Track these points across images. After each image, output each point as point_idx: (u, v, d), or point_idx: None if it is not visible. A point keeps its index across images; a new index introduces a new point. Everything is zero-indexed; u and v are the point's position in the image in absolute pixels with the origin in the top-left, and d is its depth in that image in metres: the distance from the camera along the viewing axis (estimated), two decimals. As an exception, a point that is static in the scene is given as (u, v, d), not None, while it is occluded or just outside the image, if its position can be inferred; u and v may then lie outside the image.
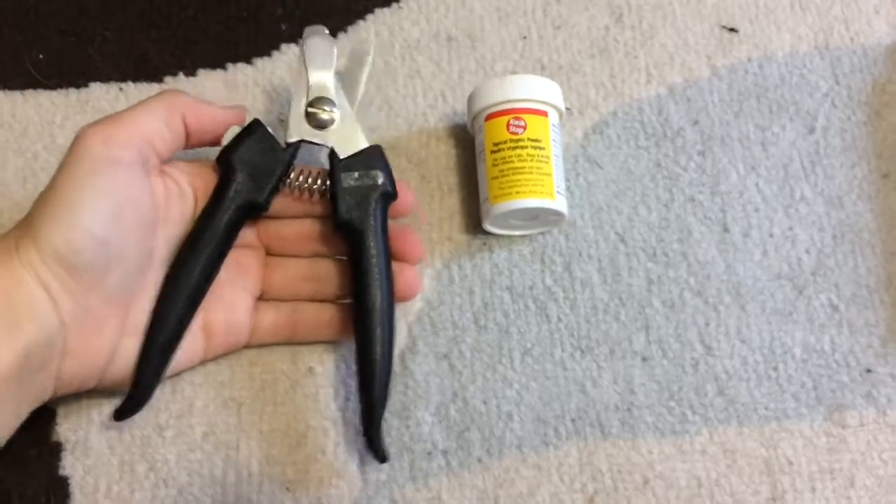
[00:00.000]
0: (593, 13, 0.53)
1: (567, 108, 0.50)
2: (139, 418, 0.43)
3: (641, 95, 0.51)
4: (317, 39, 0.43)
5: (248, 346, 0.44)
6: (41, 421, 0.42)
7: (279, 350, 0.45)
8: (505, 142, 0.45)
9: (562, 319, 0.46)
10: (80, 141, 0.38)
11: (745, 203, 0.49)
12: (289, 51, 0.52)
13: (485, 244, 0.47)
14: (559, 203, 0.45)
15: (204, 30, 0.52)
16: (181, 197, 0.41)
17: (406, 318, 0.46)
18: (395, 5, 0.53)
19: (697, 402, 0.44)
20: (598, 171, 0.49)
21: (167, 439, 0.43)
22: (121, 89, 0.51)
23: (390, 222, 0.43)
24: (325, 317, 0.44)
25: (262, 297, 0.44)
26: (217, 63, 0.51)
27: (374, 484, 0.42)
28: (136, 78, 0.51)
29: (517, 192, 0.44)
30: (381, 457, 0.41)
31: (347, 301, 0.43)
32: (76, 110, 0.50)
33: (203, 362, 0.43)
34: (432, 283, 0.47)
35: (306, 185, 0.43)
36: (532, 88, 0.45)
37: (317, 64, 0.43)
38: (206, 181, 0.42)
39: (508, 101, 0.45)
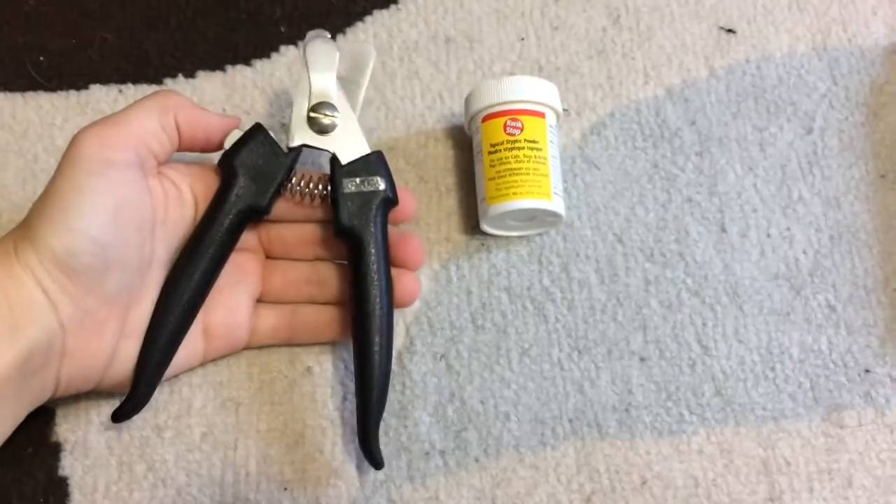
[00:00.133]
0: (591, 14, 0.53)
1: (564, 110, 0.50)
2: (138, 419, 0.43)
3: (639, 96, 0.51)
4: (319, 44, 0.43)
5: (247, 348, 0.44)
6: (40, 421, 0.43)
7: (277, 350, 0.45)
8: (502, 143, 0.45)
9: (559, 320, 0.46)
10: (76, 144, 0.37)
11: (743, 203, 0.49)
12: (288, 52, 0.52)
13: (482, 245, 0.48)
14: (556, 204, 0.45)
15: (203, 32, 0.52)
16: (180, 199, 0.41)
17: (404, 318, 0.46)
18: (393, 7, 0.53)
19: (695, 402, 0.44)
20: (595, 171, 0.49)
21: (166, 439, 0.43)
22: (120, 91, 0.51)
23: (391, 229, 0.43)
24: (324, 318, 0.44)
25: (261, 300, 0.44)
26: (216, 65, 0.51)
27: (371, 483, 0.42)
28: (135, 80, 0.51)
29: (514, 193, 0.44)
30: (377, 463, 0.41)
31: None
32: (76, 112, 0.50)
33: (202, 364, 0.44)
34: (430, 283, 0.47)
35: (307, 190, 0.43)
36: (529, 90, 0.46)
37: (319, 68, 0.43)
38: (207, 184, 0.42)
39: (505, 103, 0.45)
